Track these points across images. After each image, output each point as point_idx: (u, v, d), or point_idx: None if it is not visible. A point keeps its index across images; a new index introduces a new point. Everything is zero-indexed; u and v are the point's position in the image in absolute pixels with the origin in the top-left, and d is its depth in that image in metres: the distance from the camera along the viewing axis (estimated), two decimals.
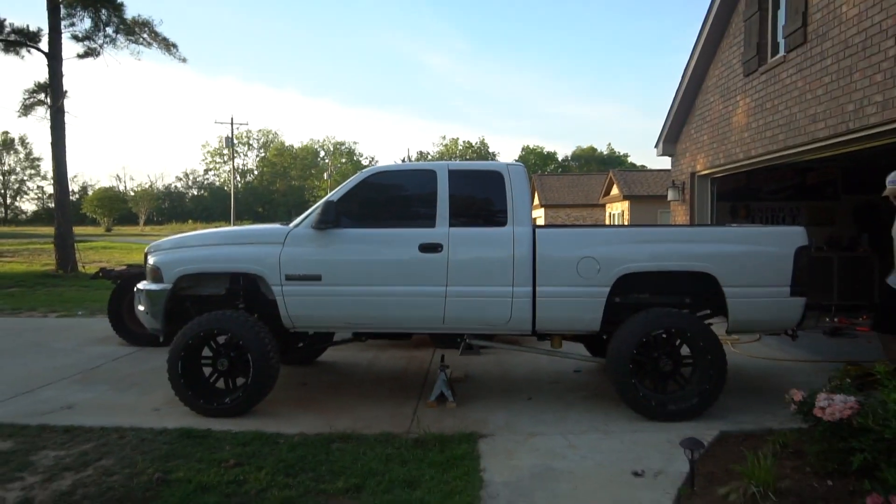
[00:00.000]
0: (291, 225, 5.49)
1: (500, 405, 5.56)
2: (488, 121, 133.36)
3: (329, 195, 5.52)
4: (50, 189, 74.72)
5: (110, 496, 3.73)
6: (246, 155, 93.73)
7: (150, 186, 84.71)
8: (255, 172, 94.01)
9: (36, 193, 77.37)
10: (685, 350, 5.20)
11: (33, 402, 5.64)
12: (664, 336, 5.19)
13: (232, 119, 48.16)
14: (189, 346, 5.22)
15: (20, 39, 17.39)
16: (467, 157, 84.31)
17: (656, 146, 13.24)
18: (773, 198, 12.45)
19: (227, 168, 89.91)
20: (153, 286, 5.49)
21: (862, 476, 3.49)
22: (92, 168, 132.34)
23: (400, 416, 5.24)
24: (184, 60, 19.91)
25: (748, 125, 9.57)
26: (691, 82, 11.54)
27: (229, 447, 4.50)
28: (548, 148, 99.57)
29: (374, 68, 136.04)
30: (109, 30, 18.08)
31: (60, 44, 17.45)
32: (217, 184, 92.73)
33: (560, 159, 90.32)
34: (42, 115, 17.77)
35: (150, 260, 5.63)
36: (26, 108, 17.89)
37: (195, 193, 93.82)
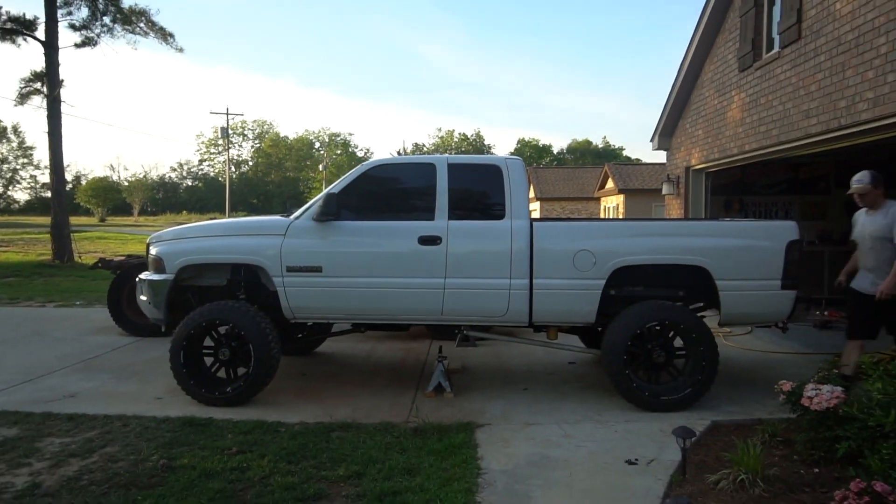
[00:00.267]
0: (292, 217, 5.57)
1: (497, 395, 5.67)
2: (484, 113, 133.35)
3: (330, 188, 5.59)
4: (43, 178, 74.40)
5: (117, 481, 3.82)
6: (241, 146, 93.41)
7: (145, 176, 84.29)
8: (250, 163, 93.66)
9: (29, 183, 76.86)
10: (678, 342, 5.32)
11: (36, 390, 5.72)
12: (658, 328, 5.30)
13: (227, 109, 47.89)
14: (191, 335, 5.31)
15: (16, 28, 17.32)
16: (463, 149, 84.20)
17: (652, 140, 13.34)
18: (766, 192, 12.58)
19: (221, 159, 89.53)
20: (155, 276, 5.56)
21: (847, 463, 3.62)
22: (85, 158, 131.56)
23: (398, 406, 5.35)
24: (180, 50, 19.91)
25: (742, 120, 9.68)
26: (687, 77, 11.63)
27: (231, 435, 4.60)
28: (543, 140, 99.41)
29: (370, 59, 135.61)
30: (107, 19, 18.05)
31: (57, 32, 17.39)
32: (212, 174, 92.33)
33: (555, 152, 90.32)
34: (38, 104, 17.75)
35: (153, 251, 5.70)
36: (22, 97, 17.86)
37: (189, 184, 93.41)
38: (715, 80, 10.79)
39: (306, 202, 5.77)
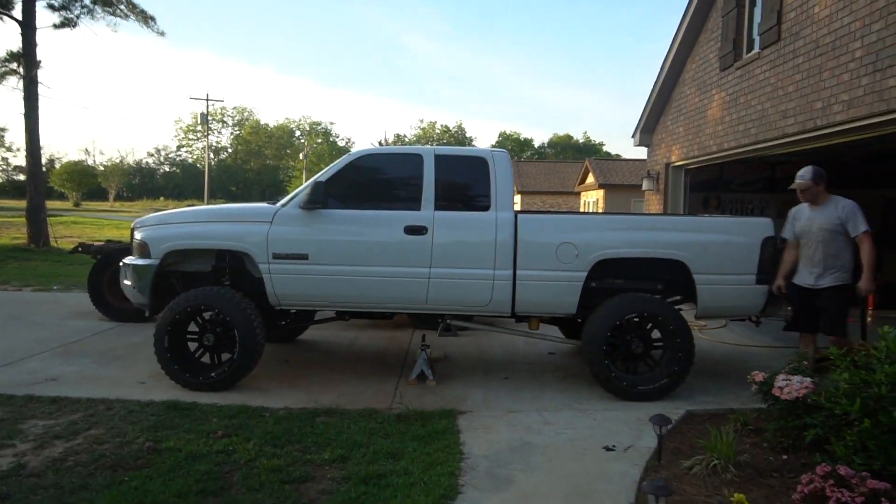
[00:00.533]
0: (279, 204, 5.59)
1: (479, 384, 5.77)
2: (466, 105, 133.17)
3: (317, 176, 5.63)
4: (16, 161, 72.70)
5: (102, 462, 3.85)
6: (220, 132, 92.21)
7: (121, 161, 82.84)
8: (230, 150, 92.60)
9: (0, 165, 75.20)
10: (656, 334, 5.47)
11: (17, 373, 5.69)
12: (636, 320, 5.44)
13: (207, 95, 47.24)
14: (176, 320, 5.32)
15: None
16: (445, 141, 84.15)
17: (633, 136, 13.51)
18: (743, 190, 12.84)
19: (200, 145, 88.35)
20: (140, 261, 5.56)
21: (814, 450, 3.78)
22: (60, 141, 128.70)
23: (382, 393, 5.42)
24: (162, 34, 19.60)
25: (722, 118, 9.87)
26: (669, 75, 11.80)
27: (216, 419, 4.64)
28: (525, 134, 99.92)
29: (352, 48, 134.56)
30: (87, 0, 17.71)
31: (34, 12, 17.01)
32: (190, 161, 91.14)
33: (537, 146, 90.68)
34: (14, 84, 17.36)
35: (138, 235, 5.69)
36: None
37: (167, 170, 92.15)
38: (696, 79, 10.97)
39: (286, 190, 5.81)
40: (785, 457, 4.00)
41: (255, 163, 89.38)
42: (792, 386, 3.98)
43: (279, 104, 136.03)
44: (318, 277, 5.40)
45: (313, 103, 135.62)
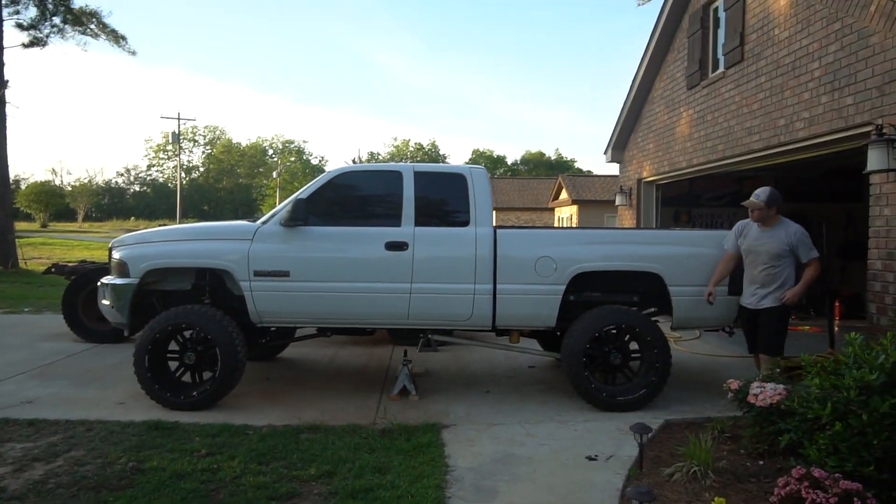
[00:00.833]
0: (259, 222, 5.62)
1: (461, 398, 5.82)
2: (439, 122, 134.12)
3: (297, 193, 5.67)
4: None
5: (85, 484, 3.81)
6: (191, 151, 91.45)
7: (89, 181, 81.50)
8: (201, 169, 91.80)
9: None
10: (634, 345, 5.59)
11: None
12: (614, 332, 5.56)
13: (179, 114, 46.90)
14: (156, 339, 5.29)
15: None
16: (418, 158, 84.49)
17: (605, 153, 13.80)
18: (712, 204, 13.20)
19: (171, 164, 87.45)
20: (119, 280, 5.52)
21: (789, 455, 3.92)
22: (25, 161, 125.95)
23: (365, 409, 5.44)
24: (133, 53, 19.58)
25: (690, 135, 10.16)
26: (639, 93, 12.12)
27: (199, 438, 4.61)
28: (497, 151, 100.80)
29: (324, 66, 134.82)
30: (56, 19, 17.53)
31: (2, 32, 16.81)
32: (161, 180, 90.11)
33: (510, 163, 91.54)
34: None
35: (116, 255, 5.65)
36: None
37: (137, 190, 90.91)
38: (665, 97, 11.28)
39: (259, 209, 5.84)
40: (761, 462, 4.12)
41: (227, 181, 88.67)
42: (766, 393, 4.11)
43: (251, 122, 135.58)
44: (300, 294, 5.43)
45: (286, 121, 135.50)
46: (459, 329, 5.83)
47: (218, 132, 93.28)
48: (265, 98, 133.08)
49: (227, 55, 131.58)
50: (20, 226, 23.11)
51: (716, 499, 3.24)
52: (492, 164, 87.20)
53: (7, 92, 16.79)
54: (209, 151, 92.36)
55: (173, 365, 5.49)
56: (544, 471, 4.16)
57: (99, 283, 5.81)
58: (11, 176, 16.98)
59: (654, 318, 5.76)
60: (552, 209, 34.40)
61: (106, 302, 5.62)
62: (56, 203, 66.83)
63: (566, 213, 31.19)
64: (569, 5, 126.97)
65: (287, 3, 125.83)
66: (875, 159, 5.68)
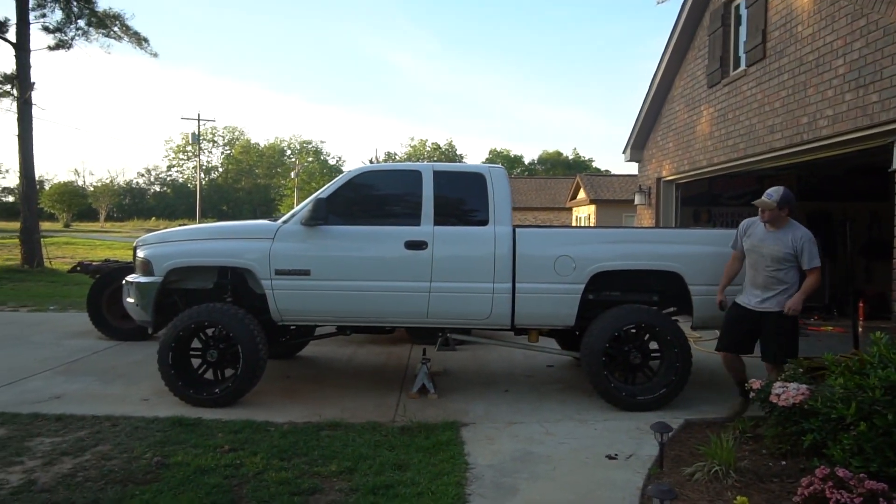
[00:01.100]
0: (280, 221, 5.68)
1: (479, 397, 5.84)
2: (456, 122, 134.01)
3: (318, 193, 5.72)
4: (4, 183, 72.35)
5: (112, 477, 3.88)
6: (211, 152, 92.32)
7: (111, 182, 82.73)
8: (220, 170, 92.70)
9: None
10: (654, 345, 5.57)
11: (20, 392, 5.70)
12: (634, 331, 5.54)
13: (199, 115, 47.38)
14: (180, 337, 5.37)
15: None
16: (435, 158, 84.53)
17: (624, 152, 13.73)
18: (732, 203, 13.06)
19: (190, 165, 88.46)
20: (143, 279, 5.61)
21: (812, 455, 3.88)
22: (49, 162, 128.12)
23: (384, 407, 5.48)
24: (155, 55, 19.88)
25: (711, 134, 10.08)
26: (658, 91, 12.04)
27: (222, 434, 4.67)
28: (514, 151, 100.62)
29: (341, 67, 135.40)
30: (81, 22, 17.85)
31: (29, 35, 17.13)
32: (180, 181, 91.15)
33: (527, 163, 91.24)
34: (7, 106, 17.43)
35: (141, 253, 5.75)
36: None
37: (157, 190, 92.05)
38: (685, 95, 11.20)
39: (277, 209, 5.90)
40: (784, 462, 4.09)
41: (245, 182, 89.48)
42: (788, 393, 4.08)
43: (269, 123, 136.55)
44: (321, 293, 5.48)
45: (303, 122, 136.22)
46: (478, 328, 5.84)
47: (237, 133, 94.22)
48: (283, 99, 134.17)
49: (245, 57, 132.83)
50: (44, 225, 23.56)
51: (738, 498, 3.22)
52: (509, 163, 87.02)
53: (33, 94, 17.12)
54: (228, 152, 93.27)
55: (196, 362, 5.58)
56: (564, 469, 4.16)
57: (124, 282, 5.91)
58: (36, 176, 17.27)
59: (674, 318, 5.73)
60: (570, 209, 34.27)
61: (130, 300, 5.72)
62: (79, 203, 67.97)
63: (584, 213, 31.05)
64: (586, 5, 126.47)
65: (304, 4, 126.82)
66: None
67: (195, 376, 5.52)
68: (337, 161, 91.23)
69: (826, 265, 11.60)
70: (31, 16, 17.32)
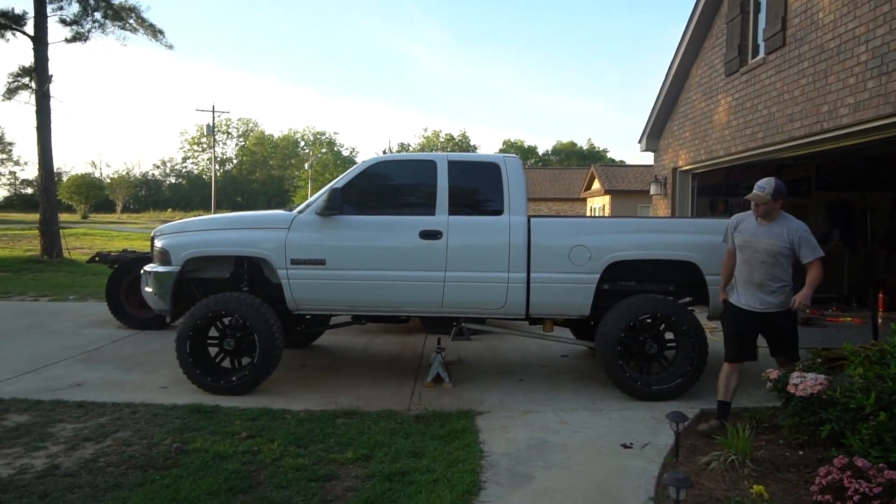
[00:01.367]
0: (296, 211, 5.71)
1: (494, 386, 5.85)
2: (469, 113, 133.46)
3: (333, 183, 5.74)
4: (23, 175, 73.26)
5: (132, 463, 3.95)
6: (225, 143, 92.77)
7: (127, 174, 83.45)
8: (234, 161, 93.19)
9: (8, 179, 75.73)
10: (669, 334, 5.54)
11: (42, 379, 5.81)
12: (650, 321, 5.52)
13: (213, 107, 47.62)
14: (197, 326, 5.43)
15: (5, 22, 17.21)
16: (449, 149, 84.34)
17: (640, 142, 13.61)
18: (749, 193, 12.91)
19: (205, 157, 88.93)
20: (161, 268, 5.68)
21: (830, 445, 3.84)
22: (66, 154, 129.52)
23: (399, 395, 5.51)
24: (170, 47, 19.88)
25: (729, 123, 9.96)
26: (675, 80, 11.91)
27: (239, 422, 4.73)
28: (528, 142, 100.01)
29: (354, 58, 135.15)
30: (97, 14, 18.00)
31: (46, 27, 17.31)
32: (195, 172, 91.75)
33: (541, 153, 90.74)
34: (26, 99, 17.63)
35: (158, 243, 5.81)
36: (10, 92, 17.72)
37: (173, 182, 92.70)
38: (702, 84, 11.07)
39: (291, 200, 5.92)
40: (801, 452, 4.06)
41: (259, 173, 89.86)
42: (806, 383, 4.04)
43: (283, 114, 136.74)
44: (336, 282, 5.51)
45: (317, 113, 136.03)
46: (493, 318, 5.85)
47: (251, 125, 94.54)
48: (297, 90, 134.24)
49: (259, 49, 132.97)
50: (63, 217, 23.86)
51: (754, 487, 3.21)
52: (523, 154, 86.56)
53: (51, 86, 17.30)
54: (242, 144, 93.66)
55: (213, 351, 5.64)
56: (579, 458, 4.17)
57: (142, 271, 5.98)
58: (54, 168, 17.48)
59: (690, 308, 5.70)
60: (584, 199, 34.08)
61: (149, 289, 5.79)
62: (96, 195, 68.61)
63: (598, 204, 30.88)
64: None
65: None
66: None
67: (212, 365, 5.58)
68: (350, 152, 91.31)
69: (846, 256, 11.53)
70: (49, 9, 17.49)
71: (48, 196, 17.72)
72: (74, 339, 7.61)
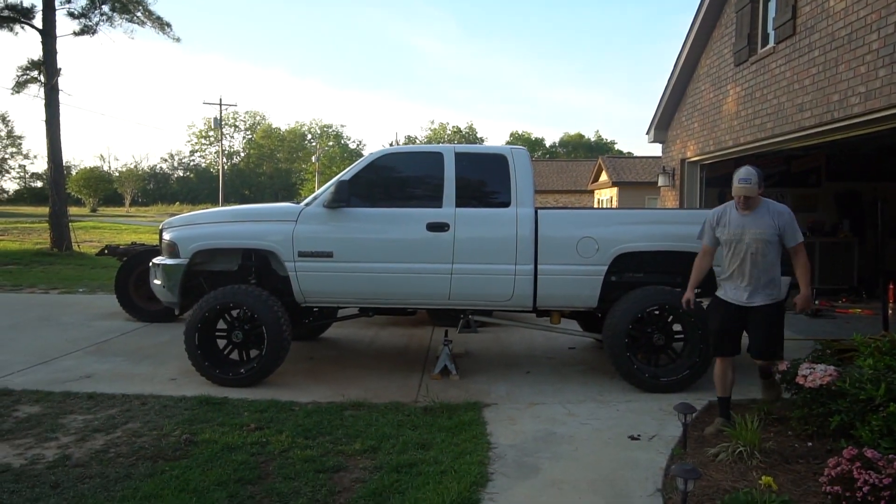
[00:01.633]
0: (303, 203, 5.71)
1: (501, 378, 5.86)
2: (476, 105, 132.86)
3: (340, 175, 5.74)
4: (32, 168, 73.74)
5: (142, 454, 3.98)
6: (232, 137, 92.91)
7: (136, 167, 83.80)
8: (242, 154, 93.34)
9: (18, 172, 76.19)
10: (677, 326, 5.52)
11: (52, 371, 5.86)
12: (657, 312, 5.50)
13: (221, 100, 47.57)
14: (206, 318, 5.46)
15: (13, 16, 17.29)
16: (456, 141, 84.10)
17: (648, 133, 13.53)
18: None
19: (213, 150, 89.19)
20: (170, 261, 5.70)
21: (839, 436, 3.83)
22: (75, 147, 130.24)
23: (407, 388, 5.52)
24: (177, 40, 19.99)
25: (738, 113, 9.88)
26: (683, 71, 11.82)
27: (248, 413, 4.76)
28: (536, 134, 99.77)
29: (361, 50, 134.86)
30: (105, 7, 18.02)
31: (54, 21, 17.36)
32: (203, 165, 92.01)
33: (548, 145, 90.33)
34: (35, 92, 17.72)
35: (167, 236, 5.83)
36: (19, 86, 17.83)
37: (181, 175, 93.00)
38: (711, 74, 10.98)
39: (299, 193, 5.93)
40: (810, 444, 4.05)
41: (267, 166, 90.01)
42: (816, 374, 4.02)
43: (290, 107, 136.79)
44: (343, 274, 5.51)
45: (324, 106, 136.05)
46: (500, 310, 5.84)
47: (258, 118, 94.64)
48: (303, 83, 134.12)
49: (266, 42, 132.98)
50: (72, 210, 23.98)
51: (763, 478, 3.20)
52: (530, 146, 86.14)
53: (59, 79, 17.35)
54: (250, 137, 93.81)
55: (222, 343, 5.66)
56: (586, 449, 4.17)
57: (150, 264, 6.01)
58: (63, 162, 17.55)
59: (698, 300, 5.66)
60: (592, 191, 33.95)
61: (157, 282, 5.81)
62: (104, 188, 69.05)
63: (606, 196, 30.75)
64: None
65: None
66: None
67: (221, 357, 5.61)
68: (357, 145, 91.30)
69: (855, 246, 11.44)
70: (57, 2, 17.53)
71: (57, 189, 17.82)
72: (84, 331, 7.66)
